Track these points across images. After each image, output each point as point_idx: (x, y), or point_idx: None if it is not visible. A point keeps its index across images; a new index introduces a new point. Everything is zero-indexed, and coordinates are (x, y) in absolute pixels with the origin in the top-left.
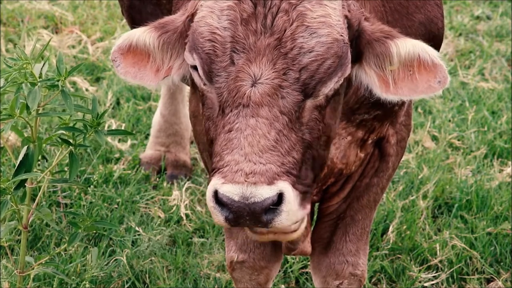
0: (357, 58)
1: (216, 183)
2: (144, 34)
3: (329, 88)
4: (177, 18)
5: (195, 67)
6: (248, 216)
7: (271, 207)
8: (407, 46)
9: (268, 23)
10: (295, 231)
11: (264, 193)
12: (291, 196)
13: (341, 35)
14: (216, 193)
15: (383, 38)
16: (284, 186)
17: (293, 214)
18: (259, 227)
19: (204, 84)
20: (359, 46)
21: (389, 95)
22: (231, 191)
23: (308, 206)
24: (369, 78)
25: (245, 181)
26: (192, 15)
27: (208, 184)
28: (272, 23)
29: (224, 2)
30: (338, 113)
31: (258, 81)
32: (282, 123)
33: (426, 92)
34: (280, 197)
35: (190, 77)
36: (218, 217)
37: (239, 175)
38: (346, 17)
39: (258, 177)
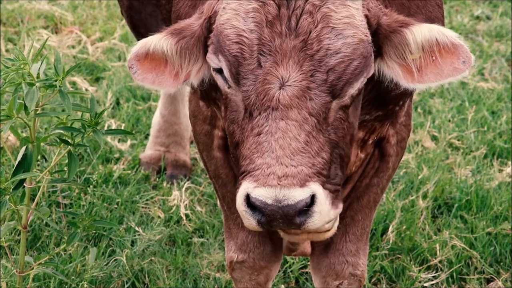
0: (377, 53)
1: (247, 187)
2: (161, 42)
3: (355, 88)
4: (193, 22)
5: (219, 70)
6: (281, 219)
7: (304, 209)
8: (423, 31)
9: (293, 25)
10: (328, 230)
11: (297, 195)
12: (323, 197)
13: (366, 35)
14: (247, 197)
15: (398, 27)
16: (316, 187)
17: (325, 215)
18: (292, 229)
19: (229, 87)
20: (377, 41)
21: (415, 84)
22: (264, 194)
23: (340, 205)
24: (392, 70)
25: (278, 184)
26: (210, 17)
27: (237, 188)
28: (296, 25)
29: (248, 4)
30: (359, 110)
31: (286, 83)
32: (311, 125)
33: (452, 74)
34: (312, 198)
35: (209, 81)
36: (250, 220)
37: (271, 178)
38: (366, 16)
39: (291, 180)
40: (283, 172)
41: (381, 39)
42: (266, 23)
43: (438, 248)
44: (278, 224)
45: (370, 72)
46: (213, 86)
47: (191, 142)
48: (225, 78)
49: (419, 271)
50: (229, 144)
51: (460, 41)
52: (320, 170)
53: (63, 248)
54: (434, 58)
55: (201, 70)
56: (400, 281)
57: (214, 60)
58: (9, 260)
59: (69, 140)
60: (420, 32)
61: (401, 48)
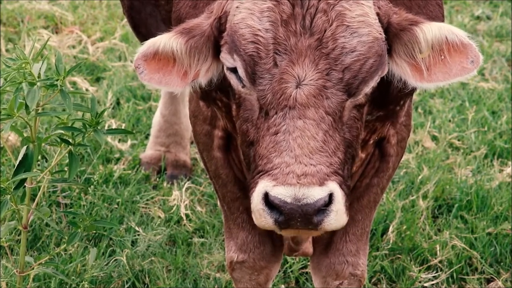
0: (387, 52)
1: (266, 185)
2: (170, 41)
3: (370, 87)
4: (203, 22)
5: (233, 69)
6: (299, 218)
7: (322, 208)
8: (433, 29)
9: (307, 24)
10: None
11: (316, 194)
12: (340, 196)
13: (380, 34)
14: (266, 196)
15: (408, 25)
16: (334, 186)
17: (341, 215)
18: (309, 229)
19: (243, 87)
20: (387, 39)
21: (424, 83)
22: (283, 193)
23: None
24: (401, 69)
25: (298, 182)
26: (220, 18)
27: (252, 187)
28: (311, 23)
29: (263, 4)
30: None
31: (302, 82)
32: (327, 124)
33: (460, 74)
34: (330, 197)
35: (218, 80)
36: (267, 219)
37: (291, 177)
38: (377, 14)
39: (310, 179)
40: (302, 171)
41: (391, 37)
42: (281, 22)
43: (438, 248)
44: (296, 224)
45: (384, 70)
46: (217, 86)
47: (191, 142)
48: (239, 78)
49: (419, 271)
50: (240, 143)
51: (469, 41)
52: (337, 170)
53: (63, 248)
54: (443, 57)
55: (209, 70)
56: (400, 281)
57: (228, 60)
58: (9, 260)
59: (70, 140)
60: (431, 30)
61: (411, 46)
